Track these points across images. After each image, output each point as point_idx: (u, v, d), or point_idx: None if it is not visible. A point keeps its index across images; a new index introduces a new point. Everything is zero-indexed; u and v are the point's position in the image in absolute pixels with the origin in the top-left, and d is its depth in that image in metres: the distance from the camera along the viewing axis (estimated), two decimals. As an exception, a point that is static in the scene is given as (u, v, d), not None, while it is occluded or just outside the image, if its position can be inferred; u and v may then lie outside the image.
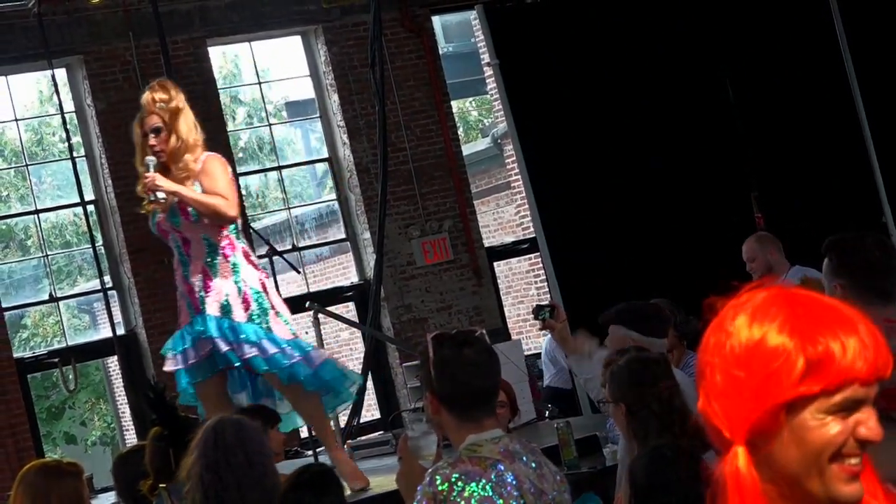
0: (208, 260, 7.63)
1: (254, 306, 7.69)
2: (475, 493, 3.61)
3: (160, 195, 7.49)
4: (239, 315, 7.64)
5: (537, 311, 6.73)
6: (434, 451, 4.01)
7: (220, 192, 7.56)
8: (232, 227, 7.68)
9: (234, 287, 7.66)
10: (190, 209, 7.54)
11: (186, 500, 4.28)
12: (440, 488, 3.63)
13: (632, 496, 4.11)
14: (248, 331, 7.63)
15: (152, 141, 7.63)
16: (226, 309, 7.61)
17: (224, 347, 7.54)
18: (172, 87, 7.93)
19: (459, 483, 3.63)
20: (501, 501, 3.63)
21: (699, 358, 2.02)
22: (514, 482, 3.67)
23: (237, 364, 7.61)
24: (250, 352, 7.58)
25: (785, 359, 1.87)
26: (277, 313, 7.77)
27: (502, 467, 3.68)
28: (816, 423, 1.87)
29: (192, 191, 7.56)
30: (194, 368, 7.70)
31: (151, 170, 7.53)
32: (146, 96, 7.81)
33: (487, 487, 3.63)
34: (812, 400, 1.87)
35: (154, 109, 7.72)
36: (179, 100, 7.84)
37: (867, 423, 1.88)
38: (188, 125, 7.76)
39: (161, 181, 7.49)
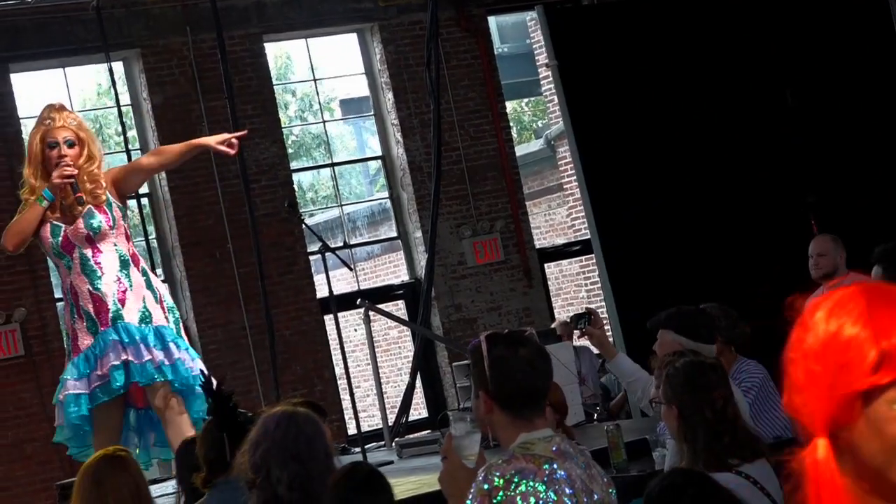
0: (123, 271, 7.64)
1: (171, 312, 7.79)
2: (531, 489, 3.61)
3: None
4: (160, 319, 7.68)
5: (576, 321, 6.74)
6: (476, 451, 4.00)
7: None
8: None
9: (150, 294, 7.72)
10: (113, 214, 7.61)
11: (256, 491, 4.24)
12: (496, 484, 3.63)
13: None
14: (173, 335, 7.70)
15: (65, 151, 7.62)
16: (145, 315, 7.62)
17: (146, 356, 7.46)
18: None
19: (516, 479, 3.63)
20: (555, 498, 3.62)
21: (785, 355, 2.03)
22: (567, 479, 3.66)
23: (151, 376, 7.44)
24: (179, 354, 7.60)
25: (857, 350, 1.87)
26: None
27: (556, 465, 3.67)
28: (893, 413, 1.86)
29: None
30: (98, 391, 7.52)
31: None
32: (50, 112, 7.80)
33: (542, 484, 3.62)
34: (885, 390, 1.87)
35: (66, 124, 7.72)
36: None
37: None
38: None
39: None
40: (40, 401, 12.52)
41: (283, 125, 14.64)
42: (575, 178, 12.13)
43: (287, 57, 22.80)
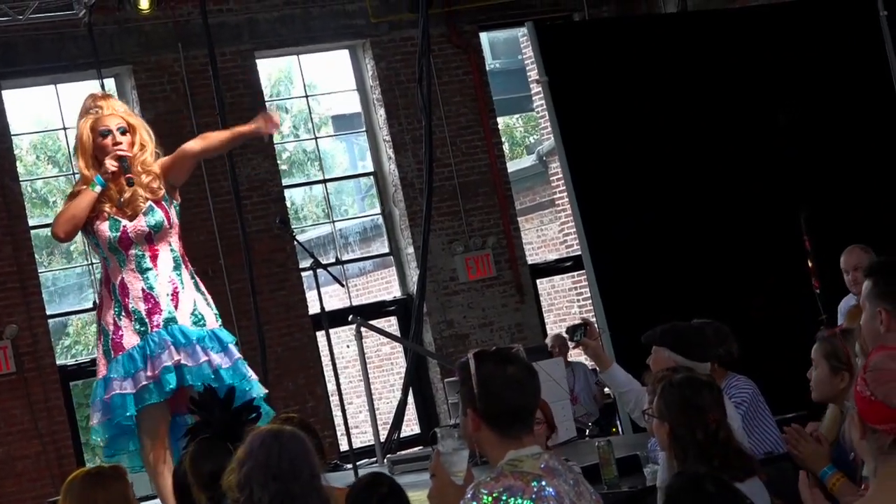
0: (176, 271, 7.48)
1: (217, 318, 7.61)
2: (519, 507, 3.61)
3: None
4: (212, 323, 7.51)
5: (572, 332, 6.74)
6: (464, 467, 3.99)
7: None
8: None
9: (201, 297, 7.57)
10: (171, 211, 7.48)
11: None
12: (485, 501, 3.62)
13: None
14: (231, 338, 7.55)
15: (119, 139, 7.46)
16: (198, 318, 7.45)
17: (202, 358, 7.27)
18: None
19: (504, 496, 3.62)
20: (543, 515, 3.62)
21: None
22: (555, 497, 3.66)
23: (208, 377, 7.17)
24: (238, 356, 7.47)
25: None
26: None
27: (544, 482, 3.67)
28: None
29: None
30: (146, 392, 7.28)
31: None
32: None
33: (530, 501, 3.62)
34: None
35: (116, 111, 7.58)
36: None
37: None
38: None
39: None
40: (31, 417, 12.51)
41: (275, 141, 14.64)
42: (566, 193, 12.13)
43: (288, 75, 22.83)
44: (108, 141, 7.42)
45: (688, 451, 4.77)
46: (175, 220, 7.53)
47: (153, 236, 7.41)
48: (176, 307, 7.37)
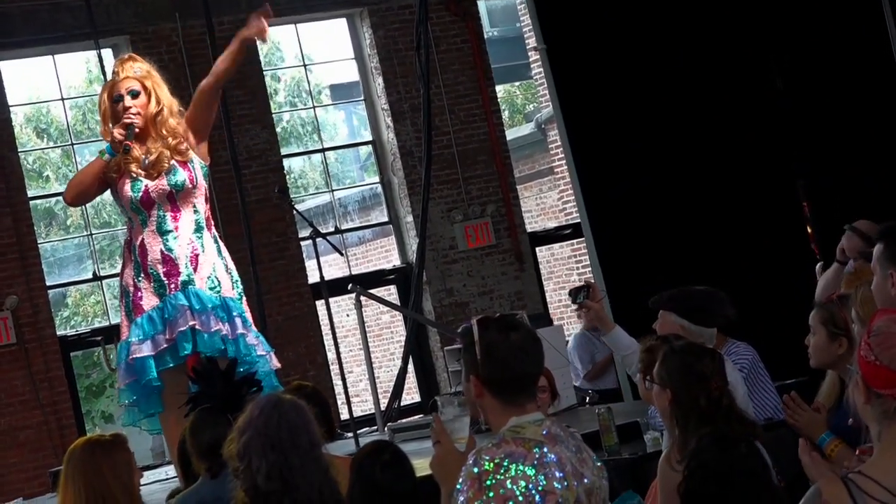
0: (196, 233, 7.46)
1: (236, 285, 7.57)
2: (521, 473, 3.62)
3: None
4: (228, 291, 7.48)
5: (575, 294, 6.72)
6: (466, 434, 4.00)
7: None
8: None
9: (221, 262, 7.54)
10: (196, 173, 7.43)
11: (240, 478, 4.22)
12: (486, 468, 3.63)
13: (699, 481, 4.07)
14: (240, 309, 7.49)
15: (129, 103, 7.44)
16: (214, 283, 7.43)
17: (214, 326, 7.26)
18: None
19: (506, 462, 3.63)
20: (545, 481, 3.63)
21: None
22: (557, 463, 3.67)
23: (218, 347, 7.17)
24: (242, 330, 7.41)
25: None
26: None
27: (546, 448, 3.68)
28: None
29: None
30: (166, 354, 7.30)
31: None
32: (117, 65, 7.64)
33: (531, 467, 3.63)
34: None
35: (130, 73, 7.52)
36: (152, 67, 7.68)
37: None
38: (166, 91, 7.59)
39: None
40: (32, 388, 12.53)
41: (273, 111, 14.61)
42: (565, 161, 12.12)
43: (278, 45, 22.76)
44: (120, 107, 7.44)
45: (689, 417, 4.78)
46: (201, 181, 7.51)
47: (175, 196, 7.41)
48: (195, 270, 7.37)
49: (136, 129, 7.40)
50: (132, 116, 7.40)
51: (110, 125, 7.49)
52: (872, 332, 3.39)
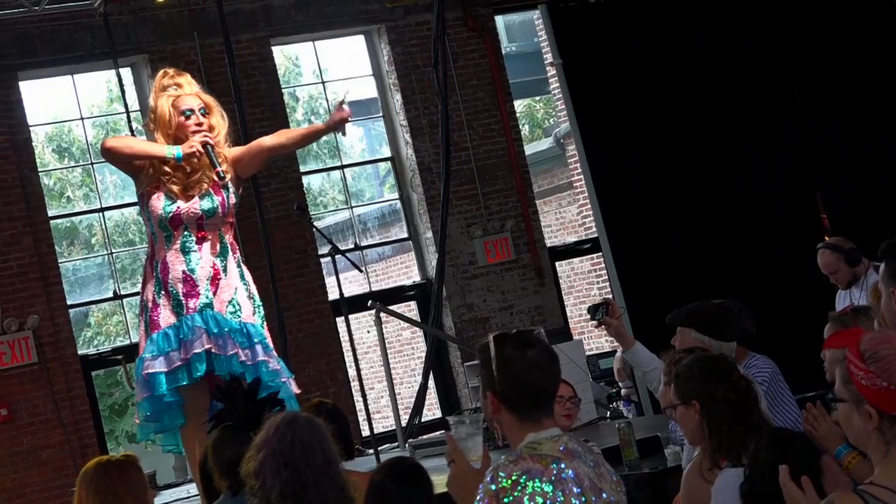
0: (220, 257, 7.45)
1: (258, 311, 7.56)
2: (538, 489, 3.61)
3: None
4: (248, 316, 7.47)
5: (594, 312, 6.69)
6: (480, 452, 3.99)
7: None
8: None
9: (242, 287, 7.52)
10: (229, 200, 7.43)
11: (256, 496, 4.22)
12: (503, 485, 3.62)
13: (763, 479, 4.07)
14: (261, 335, 7.48)
15: (201, 119, 7.46)
16: (235, 308, 7.42)
17: (231, 350, 7.27)
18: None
19: (523, 479, 3.62)
20: (563, 498, 3.62)
21: None
22: (574, 479, 3.66)
23: (235, 370, 7.11)
24: (264, 357, 7.39)
25: None
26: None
27: (564, 465, 3.67)
28: None
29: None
30: (178, 372, 7.30)
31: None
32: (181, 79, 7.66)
33: (549, 483, 3.62)
34: None
35: (195, 90, 7.58)
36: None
37: None
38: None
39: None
40: (54, 407, 12.56)
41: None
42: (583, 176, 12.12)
43: (296, 62, 22.82)
44: (192, 121, 7.45)
45: (723, 418, 4.74)
46: (231, 209, 7.53)
47: (204, 221, 7.41)
48: (215, 293, 7.37)
49: (212, 149, 7.42)
50: (210, 136, 7.42)
51: (172, 138, 7.47)
52: (866, 359, 3.35)
